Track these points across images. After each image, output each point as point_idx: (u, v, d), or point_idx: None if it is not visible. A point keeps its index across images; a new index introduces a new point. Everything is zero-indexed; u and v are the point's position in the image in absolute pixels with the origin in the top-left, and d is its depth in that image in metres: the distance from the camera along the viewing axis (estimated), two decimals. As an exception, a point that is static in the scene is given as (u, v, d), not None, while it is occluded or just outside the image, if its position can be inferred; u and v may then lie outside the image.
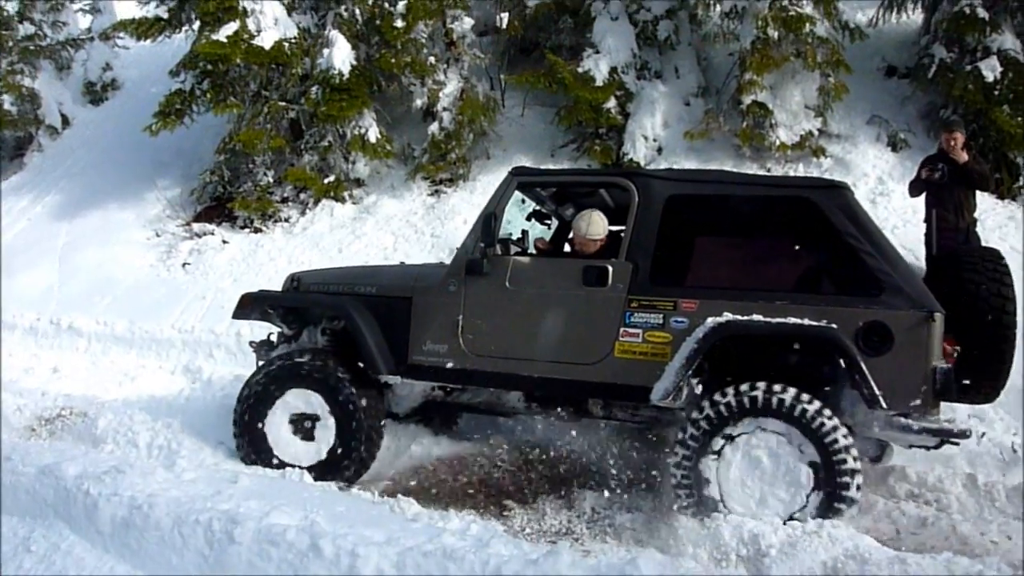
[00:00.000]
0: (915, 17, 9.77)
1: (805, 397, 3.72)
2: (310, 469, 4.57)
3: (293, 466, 4.59)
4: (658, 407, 4.17)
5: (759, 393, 3.75)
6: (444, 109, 9.59)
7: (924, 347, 3.80)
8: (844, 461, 3.66)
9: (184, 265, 9.59)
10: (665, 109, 9.33)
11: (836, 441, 3.66)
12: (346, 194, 9.89)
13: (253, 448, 4.70)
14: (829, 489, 3.66)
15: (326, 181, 9.85)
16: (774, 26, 8.55)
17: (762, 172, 8.73)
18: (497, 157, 9.84)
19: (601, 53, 9.28)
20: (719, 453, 3.82)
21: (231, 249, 9.63)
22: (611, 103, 9.22)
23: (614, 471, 4.67)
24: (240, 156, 10.30)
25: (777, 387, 3.75)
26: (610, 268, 4.24)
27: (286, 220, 9.95)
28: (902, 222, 7.76)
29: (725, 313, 3.95)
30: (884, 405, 3.70)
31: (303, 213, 9.96)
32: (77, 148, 13.32)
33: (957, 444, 4.18)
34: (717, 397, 3.83)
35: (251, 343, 5.36)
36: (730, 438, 3.82)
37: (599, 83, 9.06)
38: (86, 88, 15.08)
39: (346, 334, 4.71)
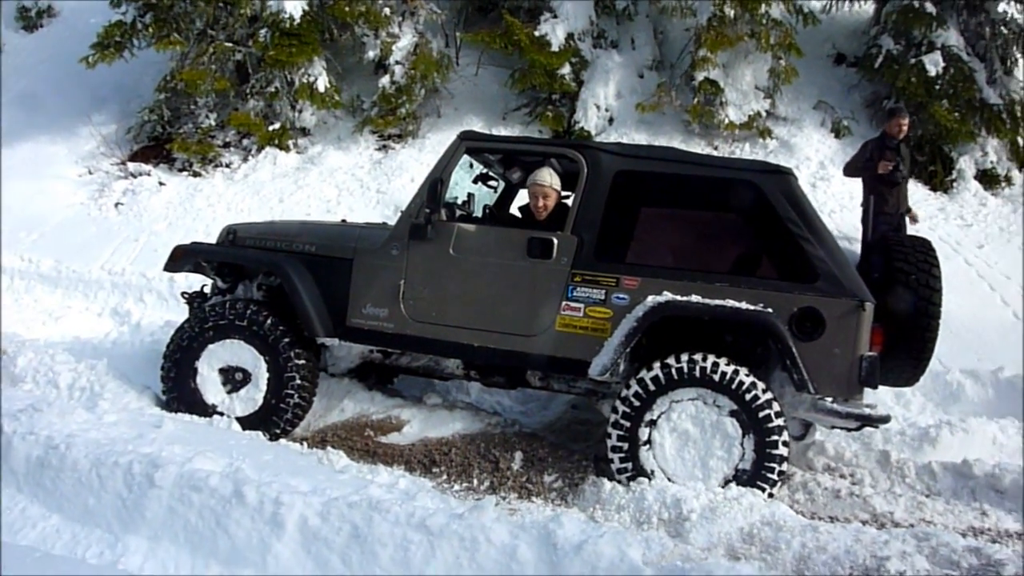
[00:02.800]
0: (867, 7, 9.95)
1: (722, 361, 3.86)
2: (240, 420, 4.49)
3: (221, 414, 4.51)
4: (595, 381, 4.23)
5: (683, 365, 3.88)
6: (396, 63, 9.39)
7: (853, 335, 3.92)
8: (775, 432, 3.82)
9: (117, 205, 9.24)
10: (619, 79, 9.33)
11: (767, 411, 3.82)
12: (291, 143, 9.64)
13: (180, 394, 4.59)
14: (758, 437, 3.82)
15: (271, 128, 9.58)
16: (731, 4, 8.61)
17: (710, 149, 8.85)
18: (448, 116, 9.71)
19: (559, 18, 9.19)
20: (652, 427, 3.93)
21: (167, 192, 9.31)
22: (566, 69, 9.17)
23: (544, 433, 4.73)
24: (182, 96, 9.92)
25: (697, 356, 3.87)
26: (555, 241, 4.22)
27: (227, 165, 9.66)
28: (839, 207, 7.97)
29: (665, 293, 4.00)
30: (812, 389, 3.85)
31: (245, 159, 9.68)
32: (8, 76, 12.62)
33: (876, 428, 4.37)
34: (643, 374, 3.93)
35: (183, 293, 5.19)
36: (661, 412, 3.92)
37: (555, 48, 8.99)
38: (20, 14, 14.24)
39: (283, 291, 4.61)
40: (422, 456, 4.55)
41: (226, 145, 9.95)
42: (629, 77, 9.48)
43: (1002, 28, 8.97)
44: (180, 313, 7.01)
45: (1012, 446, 5.13)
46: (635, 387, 3.93)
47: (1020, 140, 8.63)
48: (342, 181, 8.92)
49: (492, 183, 5.34)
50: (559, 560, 2.80)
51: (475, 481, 4.27)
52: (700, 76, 8.72)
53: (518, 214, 5.11)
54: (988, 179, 8.57)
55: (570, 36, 9.17)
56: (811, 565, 3.30)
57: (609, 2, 9.74)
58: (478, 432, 4.81)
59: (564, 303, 4.18)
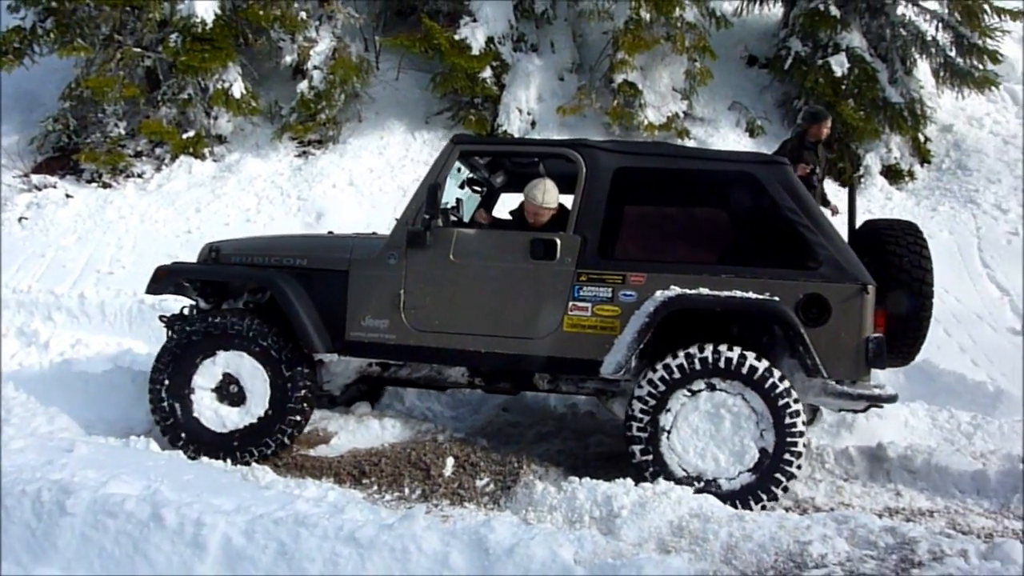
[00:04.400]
0: (776, 10, 10.31)
1: (749, 355, 3.86)
2: (228, 436, 4.32)
3: (215, 432, 4.33)
4: (604, 379, 4.18)
5: (708, 354, 3.87)
6: (315, 67, 9.24)
7: (859, 318, 3.98)
8: (792, 416, 3.86)
9: (21, 220, 8.79)
10: (540, 83, 9.41)
11: (785, 400, 3.85)
12: (207, 151, 9.37)
13: (175, 415, 4.36)
14: (778, 428, 3.84)
15: (185, 136, 9.29)
16: (646, 8, 8.79)
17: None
18: (370, 120, 9.60)
19: (479, 22, 9.21)
20: (673, 417, 3.93)
21: (76, 204, 8.91)
22: (487, 73, 9.19)
23: (476, 438, 4.71)
24: (88, 104, 9.52)
25: (723, 347, 3.88)
26: (558, 241, 4.16)
27: (139, 175, 9.31)
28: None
29: (672, 287, 3.99)
30: (824, 374, 3.88)
31: (158, 169, 9.35)
32: None
33: (881, 407, 4.41)
34: (668, 360, 3.91)
35: (161, 317, 4.86)
36: (684, 398, 3.92)
37: (475, 52, 9.00)
38: (-94, 18, 13.45)
39: (270, 308, 4.44)
40: (351, 468, 4.47)
41: (138, 154, 9.60)
42: (550, 80, 9.57)
43: (901, 30, 9.42)
44: (91, 331, 6.76)
45: (922, 428, 5.38)
46: (655, 379, 3.91)
47: (921, 137, 9.06)
48: (262, 189, 8.72)
49: (478, 188, 5.21)
50: (491, 564, 2.79)
51: (406, 490, 4.21)
52: (619, 78, 8.87)
53: (507, 217, 4.96)
54: (893, 174, 8.99)
55: (490, 40, 9.19)
56: (738, 554, 3.38)
57: (528, 6, 9.81)
58: (409, 440, 4.75)
59: (571, 303, 4.13)
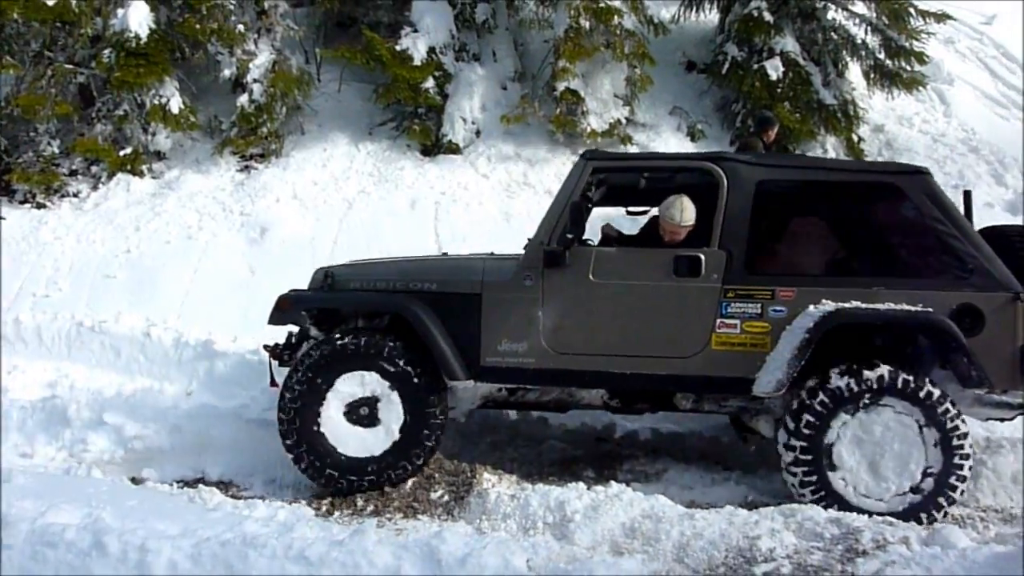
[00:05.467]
0: (712, 16, 10.52)
1: (925, 379, 3.84)
2: (375, 460, 4.23)
3: (356, 458, 4.23)
4: (750, 398, 4.13)
5: (885, 373, 3.84)
6: (255, 81, 9.09)
7: (1012, 327, 3.97)
8: (960, 439, 3.85)
9: (-51, 244, 8.46)
10: (483, 92, 9.42)
11: (955, 423, 3.84)
12: (145, 168, 9.12)
13: (304, 433, 4.24)
14: (946, 450, 3.83)
15: (122, 153, 9.03)
16: (586, 16, 8.87)
17: (575, 158, 9.09)
18: (312, 133, 9.50)
19: (420, 32, 9.18)
20: (837, 432, 3.89)
21: (8, 227, 8.60)
22: (430, 83, 9.16)
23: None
24: (19, 122, 9.19)
25: (885, 366, 3.86)
26: (703, 257, 4.11)
27: (75, 195, 9.03)
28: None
29: (824, 301, 3.96)
30: (989, 385, 3.90)
31: (95, 187, 9.08)
32: None
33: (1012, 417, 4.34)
34: (835, 379, 3.87)
35: (266, 346, 4.77)
36: (844, 424, 3.88)
37: (417, 62, 8.97)
38: None
39: (388, 334, 4.36)
40: (307, 487, 4.42)
41: (72, 173, 9.31)
42: (493, 89, 9.59)
43: (832, 34, 9.70)
44: (28, 357, 6.54)
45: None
46: (820, 399, 3.87)
47: (855, 137, 9.33)
48: (203, 205, 8.54)
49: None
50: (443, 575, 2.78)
51: (359, 505, 4.18)
52: (561, 86, 8.93)
53: (633, 232, 4.86)
54: (829, 174, 9.23)
55: (432, 50, 9.18)
56: (690, 552, 3.44)
57: (469, 15, 9.83)
58: (361, 454, 4.70)
59: (719, 320, 4.08)
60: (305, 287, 4.74)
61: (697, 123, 9.48)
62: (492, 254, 4.90)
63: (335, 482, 4.22)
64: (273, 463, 4.72)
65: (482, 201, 8.47)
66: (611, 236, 4.78)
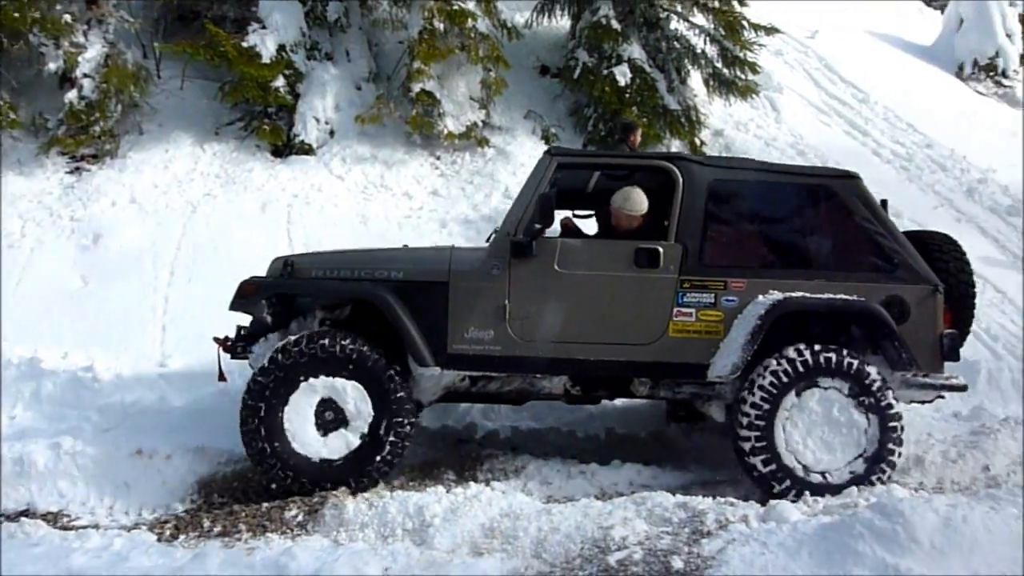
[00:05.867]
0: (564, 22, 10.79)
1: (858, 358, 4.18)
2: (337, 464, 4.16)
3: (312, 459, 4.14)
4: (701, 384, 4.37)
5: (833, 356, 4.15)
6: (85, 76, 8.43)
7: (933, 316, 4.41)
8: (895, 413, 4.19)
9: None
10: (336, 92, 9.21)
11: (890, 399, 4.18)
12: (-43, 170, 8.27)
13: (269, 443, 4.11)
14: (881, 422, 4.15)
15: (-72, 154, 8.16)
16: (440, 18, 8.87)
17: (433, 159, 9.08)
18: (152, 132, 8.93)
19: (268, 29, 8.85)
20: (790, 410, 4.16)
21: None
22: (280, 82, 8.85)
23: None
24: None
25: (830, 348, 4.19)
26: (661, 250, 4.36)
27: None
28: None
29: (772, 291, 4.29)
30: (917, 367, 4.30)
31: (-102, 191, 8.13)
32: None
33: (943, 397, 4.79)
34: (782, 362, 4.14)
35: (216, 339, 4.58)
36: (793, 403, 4.16)
37: (266, 60, 8.64)
38: None
39: (350, 324, 4.39)
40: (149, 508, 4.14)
41: None
42: (347, 89, 9.39)
43: (675, 43, 10.20)
44: None
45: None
46: (768, 381, 4.13)
47: (697, 141, 9.85)
48: (27, 210, 7.83)
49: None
50: (295, 593, 2.67)
51: (206, 526, 3.95)
52: (416, 88, 8.87)
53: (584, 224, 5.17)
54: (675, 176, 9.69)
55: (282, 48, 8.86)
56: (547, 547, 3.49)
57: (320, 13, 9.57)
58: (207, 474, 4.47)
59: (676, 309, 4.34)
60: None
61: (551, 127, 9.70)
62: (453, 246, 5.10)
63: (305, 487, 4.17)
64: (114, 487, 4.39)
65: (337, 203, 8.28)
66: (571, 228, 5.07)
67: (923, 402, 4.79)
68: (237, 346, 4.58)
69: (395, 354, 4.33)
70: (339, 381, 4.19)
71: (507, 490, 4.19)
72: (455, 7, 8.90)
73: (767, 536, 3.29)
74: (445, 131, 8.94)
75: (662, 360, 4.36)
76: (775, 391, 4.15)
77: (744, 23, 9.94)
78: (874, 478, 4.15)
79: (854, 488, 4.03)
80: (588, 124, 9.72)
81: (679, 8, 10.24)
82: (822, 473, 4.18)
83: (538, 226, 4.36)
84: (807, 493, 4.02)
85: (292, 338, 4.24)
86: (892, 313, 4.34)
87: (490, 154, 9.17)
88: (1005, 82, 15.78)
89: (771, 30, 10.21)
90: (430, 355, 4.27)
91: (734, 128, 10.59)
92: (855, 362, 4.17)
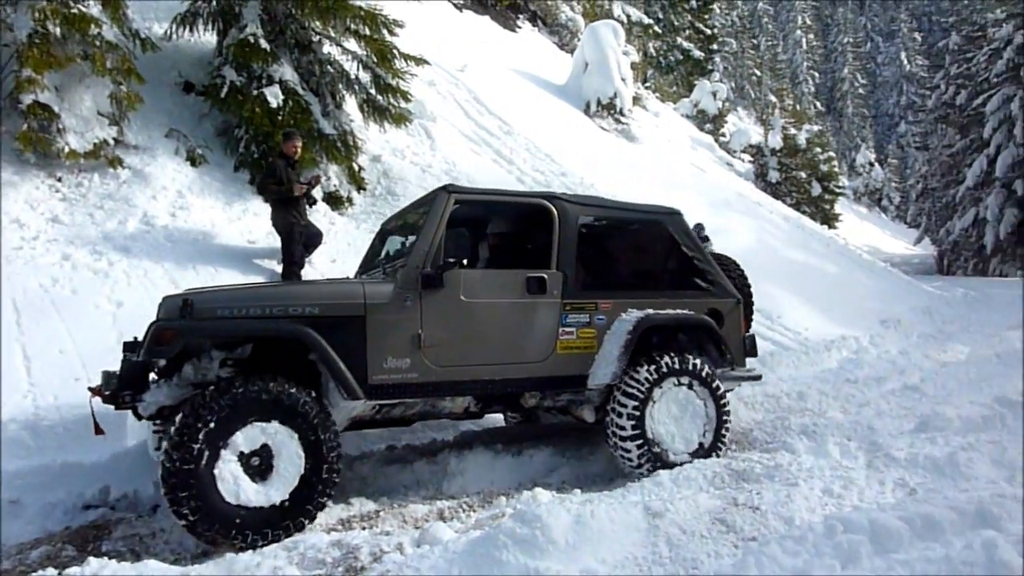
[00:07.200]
0: (209, 38, 10.10)
1: (699, 360, 5.07)
2: (274, 511, 3.90)
3: (246, 508, 3.84)
4: (576, 391, 4.99)
5: (689, 360, 5.03)
6: None
7: (738, 322, 5.55)
8: (724, 396, 5.16)
9: None
10: (-85, 99, 7.59)
11: (715, 380, 5.11)
12: None
13: (198, 495, 3.75)
14: (718, 411, 5.07)
15: None
16: (55, 21, 7.77)
17: (52, 181, 7.91)
18: None
19: None
20: (655, 404, 4.88)
21: None
22: None
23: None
24: None
25: (689, 356, 5.07)
26: (547, 277, 4.91)
27: None
28: (214, 234, 7.93)
29: (631, 310, 5.05)
30: (738, 364, 5.41)
31: None
32: None
33: (740, 385, 6.09)
34: (663, 361, 4.93)
35: (91, 388, 4.29)
36: (655, 400, 4.90)
37: None
38: None
39: (254, 364, 4.28)
40: None
41: None
42: (-68, 97, 7.79)
43: (329, 67, 10.10)
44: None
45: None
46: (640, 380, 4.83)
47: (356, 166, 9.87)
48: None
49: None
50: None
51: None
52: (28, 99, 7.65)
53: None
54: (334, 200, 9.59)
55: None
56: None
57: None
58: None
59: (561, 329, 4.91)
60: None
61: (198, 147, 9.00)
62: (359, 278, 5.48)
63: (236, 538, 3.82)
64: None
65: (-80, 234, 6.78)
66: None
67: (729, 390, 5.72)
68: (124, 396, 4.16)
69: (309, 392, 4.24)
70: (272, 426, 4.00)
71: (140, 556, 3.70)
72: (74, 11, 7.86)
73: (420, 561, 3.29)
74: (67, 149, 7.82)
75: (553, 375, 4.89)
76: (647, 387, 4.85)
77: (395, 52, 10.17)
78: (719, 444, 5.01)
79: (503, 498, 4.25)
80: (239, 146, 9.22)
81: (332, 32, 10.17)
82: (682, 455, 4.89)
83: (452, 260, 4.61)
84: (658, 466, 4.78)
85: (219, 383, 4.03)
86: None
87: (125, 175, 8.23)
88: (622, 119, 18.38)
89: (420, 60, 10.57)
90: (357, 387, 4.26)
91: (391, 154, 10.82)
92: (698, 361, 5.05)
